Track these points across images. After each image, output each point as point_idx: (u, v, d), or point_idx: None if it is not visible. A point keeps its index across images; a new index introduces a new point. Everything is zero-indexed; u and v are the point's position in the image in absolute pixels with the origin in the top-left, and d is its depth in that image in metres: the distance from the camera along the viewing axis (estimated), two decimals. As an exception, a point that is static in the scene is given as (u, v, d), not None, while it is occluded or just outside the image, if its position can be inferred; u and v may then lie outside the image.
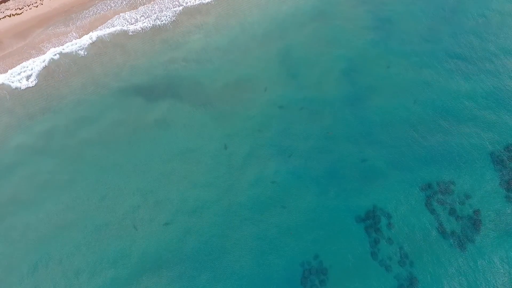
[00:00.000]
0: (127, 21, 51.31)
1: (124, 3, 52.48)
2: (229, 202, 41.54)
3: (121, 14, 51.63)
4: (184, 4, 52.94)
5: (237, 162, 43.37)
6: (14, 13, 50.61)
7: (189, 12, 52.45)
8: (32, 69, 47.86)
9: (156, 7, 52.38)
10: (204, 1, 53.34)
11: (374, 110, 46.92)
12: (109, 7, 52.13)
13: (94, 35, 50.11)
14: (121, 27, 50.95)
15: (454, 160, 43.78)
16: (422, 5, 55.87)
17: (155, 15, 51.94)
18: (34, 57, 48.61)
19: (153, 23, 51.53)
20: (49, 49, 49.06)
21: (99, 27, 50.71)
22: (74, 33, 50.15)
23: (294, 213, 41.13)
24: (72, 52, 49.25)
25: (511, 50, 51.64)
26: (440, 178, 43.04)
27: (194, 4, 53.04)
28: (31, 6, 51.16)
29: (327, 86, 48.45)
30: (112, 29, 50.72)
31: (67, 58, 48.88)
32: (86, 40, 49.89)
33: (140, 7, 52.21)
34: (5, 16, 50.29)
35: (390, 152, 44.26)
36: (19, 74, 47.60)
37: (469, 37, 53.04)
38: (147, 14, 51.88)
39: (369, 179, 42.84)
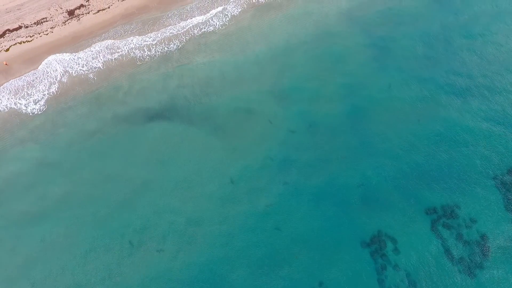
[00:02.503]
0: (135, 48, 52.85)
1: (135, 30, 54.28)
2: (234, 226, 41.12)
3: (129, 40, 53.30)
4: (191, 33, 54.79)
5: (242, 188, 43.27)
6: (24, 40, 52.22)
7: (195, 40, 54.07)
8: (40, 94, 48.79)
9: (163, 35, 54.15)
10: (209, 29, 55.22)
11: (377, 133, 47.32)
12: (118, 34, 53.87)
13: (102, 61, 51.52)
14: (128, 53, 52.45)
15: (458, 184, 43.73)
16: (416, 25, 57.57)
17: (163, 42, 53.61)
18: (42, 82, 49.70)
19: (160, 50, 53.11)
20: (58, 74, 50.28)
21: (107, 54, 52.19)
22: (82, 59, 51.53)
23: (298, 238, 40.58)
24: (81, 77, 50.39)
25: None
26: (444, 201, 42.86)
27: (200, 32, 54.86)
28: (41, 34, 52.89)
29: (332, 111, 49.03)
30: (120, 55, 52.16)
31: (75, 83, 49.91)
32: (94, 65, 51.19)
33: (148, 35, 53.95)
34: (16, 43, 51.89)
35: (393, 175, 44.29)
36: (27, 98, 48.48)
37: (468, 54, 54.18)
38: (155, 41, 53.55)
39: (373, 203, 42.62)
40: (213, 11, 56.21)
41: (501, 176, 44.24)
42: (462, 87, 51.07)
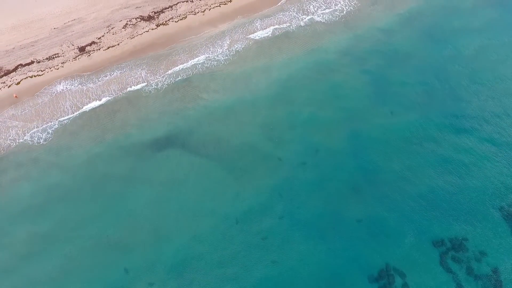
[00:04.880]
0: (142, 82, 54.65)
1: (143, 65, 56.35)
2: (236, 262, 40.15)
3: (137, 74, 55.21)
4: (197, 67, 56.90)
5: (244, 221, 42.88)
6: (35, 74, 54.11)
7: (200, 74, 55.95)
8: (49, 125, 49.61)
9: (170, 69, 56.12)
10: (214, 64, 57.36)
11: (381, 164, 47.41)
12: (125, 69, 55.93)
13: (108, 94, 53.04)
14: (135, 86, 54.17)
15: (464, 216, 43.23)
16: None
17: (170, 77, 55.48)
18: (51, 115, 50.80)
19: (167, 83, 54.84)
20: (66, 107, 51.56)
21: (116, 88, 53.84)
22: (91, 92, 53.08)
23: (303, 273, 39.37)
24: (87, 109, 51.59)
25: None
26: (451, 234, 42.17)
27: (205, 67, 56.95)
28: (52, 68, 54.93)
29: (335, 142, 49.55)
30: (128, 90, 53.65)
31: (83, 115, 50.97)
32: (101, 97, 52.63)
33: (155, 69, 56.00)
34: (26, 77, 53.71)
35: (399, 208, 43.85)
36: (35, 131, 49.22)
37: (471, 83, 55.43)
38: (161, 75, 55.44)
39: (379, 236, 41.86)
40: (219, 48, 58.90)
41: (507, 207, 43.87)
42: (463, 115, 51.80)
